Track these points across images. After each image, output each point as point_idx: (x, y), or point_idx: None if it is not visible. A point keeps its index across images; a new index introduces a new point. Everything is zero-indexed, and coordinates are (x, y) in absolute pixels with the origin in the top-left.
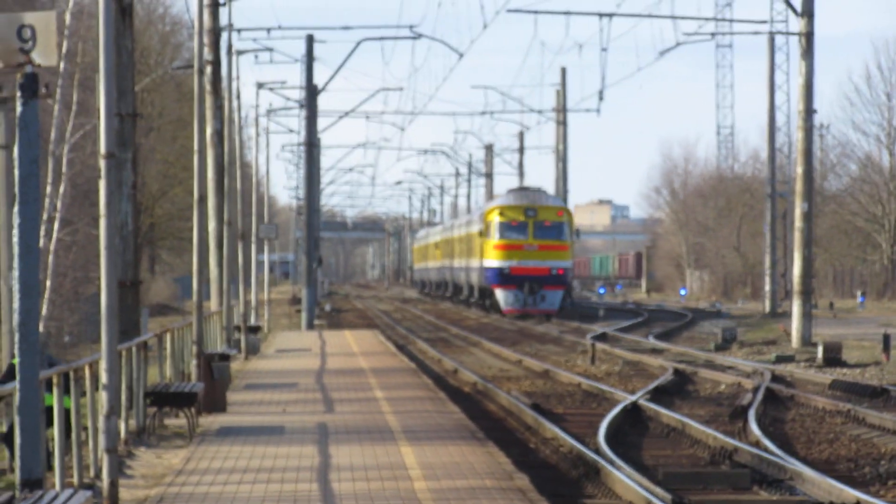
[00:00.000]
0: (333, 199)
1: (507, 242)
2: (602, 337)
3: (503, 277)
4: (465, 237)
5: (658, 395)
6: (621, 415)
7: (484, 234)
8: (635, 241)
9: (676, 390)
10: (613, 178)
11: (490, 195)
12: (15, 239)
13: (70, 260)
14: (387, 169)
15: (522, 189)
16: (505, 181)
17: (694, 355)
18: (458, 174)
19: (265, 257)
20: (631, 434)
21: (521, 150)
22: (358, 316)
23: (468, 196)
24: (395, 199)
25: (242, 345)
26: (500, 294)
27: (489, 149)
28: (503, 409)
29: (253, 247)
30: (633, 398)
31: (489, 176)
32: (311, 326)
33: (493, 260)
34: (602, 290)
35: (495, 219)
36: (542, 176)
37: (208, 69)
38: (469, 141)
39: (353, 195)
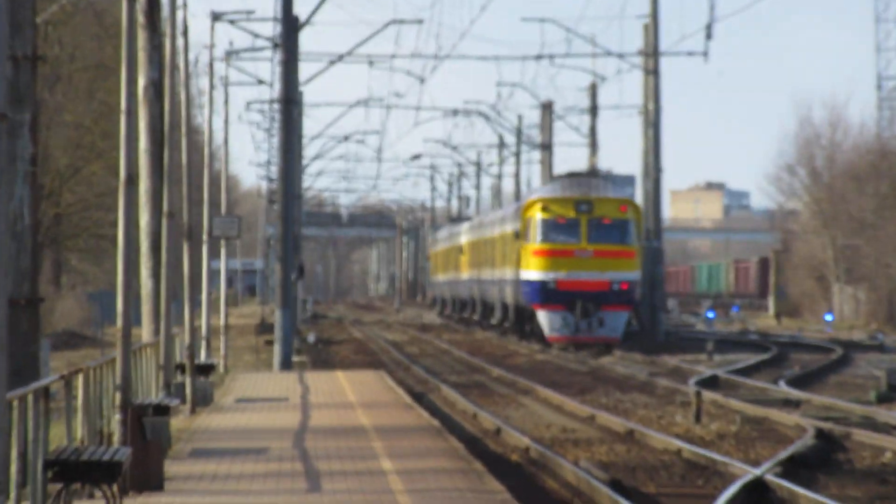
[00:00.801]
0: (321, 180)
1: (553, 247)
2: (711, 382)
3: (547, 294)
4: (497, 240)
5: (793, 467)
6: (740, 497)
7: (521, 235)
8: (758, 242)
9: (820, 461)
10: (727, 153)
11: (548, 174)
12: None
13: None
14: (399, 138)
15: (572, 175)
16: (570, 154)
17: (845, 409)
18: (501, 145)
19: (222, 265)
20: None
21: (594, 110)
22: (356, 350)
23: (516, 176)
24: (412, 181)
25: (188, 392)
26: (542, 317)
27: (547, 108)
28: (568, 487)
29: (204, 250)
30: (756, 472)
31: (547, 147)
32: (287, 365)
33: (533, 271)
34: (711, 314)
35: (536, 216)
36: (623, 147)
37: None
38: (518, 97)
39: (350, 175)
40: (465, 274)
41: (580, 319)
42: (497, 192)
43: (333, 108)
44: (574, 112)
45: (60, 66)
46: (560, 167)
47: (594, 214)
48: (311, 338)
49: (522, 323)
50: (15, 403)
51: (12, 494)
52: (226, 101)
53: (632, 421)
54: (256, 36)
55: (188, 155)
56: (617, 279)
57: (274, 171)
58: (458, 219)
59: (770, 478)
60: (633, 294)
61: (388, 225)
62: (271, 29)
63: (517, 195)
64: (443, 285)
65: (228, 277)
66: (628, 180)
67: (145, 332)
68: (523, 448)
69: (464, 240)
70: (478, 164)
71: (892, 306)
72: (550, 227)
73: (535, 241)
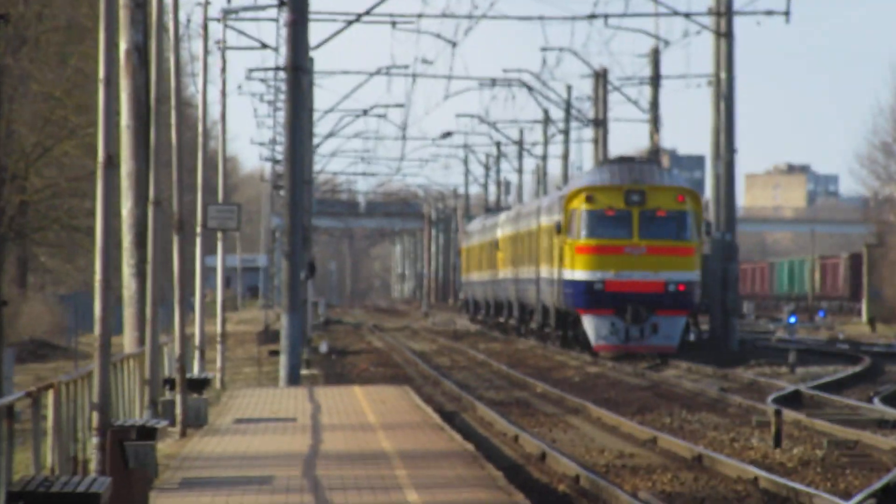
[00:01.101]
0: (335, 163)
1: (600, 243)
2: (793, 399)
3: (593, 297)
4: (537, 233)
5: (889, 499)
6: None
7: (564, 229)
8: (849, 235)
9: None
10: (812, 131)
11: (602, 154)
12: None
13: None
14: (427, 112)
15: (622, 160)
16: (628, 132)
17: None
18: (547, 120)
19: (218, 262)
20: None
21: (656, 80)
22: (376, 362)
23: (564, 157)
24: (442, 163)
25: (178, 411)
26: (588, 322)
27: (601, 78)
28: None
29: (197, 244)
30: None
31: (600, 124)
32: (295, 380)
33: (577, 270)
34: (792, 320)
35: (581, 207)
36: (690, 124)
37: None
38: (567, 64)
39: (369, 157)
40: (502, 273)
41: (631, 326)
42: (542, 177)
43: (350, 77)
44: (633, 82)
45: (27, 27)
46: (616, 147)
47: (647, 206)
48: (323, 347)
49: (565, 329)
50: None
51: None
52: (223, 69)
53: (700, 445)
54: None
55: (178, 132)
56: (673, 280)
57: (279, 151)
58: (494, 209)
59: None
60: (692, 297)
61: (414, 215)
62: None
63: (565, 180)
64: (475, 286)
65: (226, 276)
66: (696, 162)
67: (128, 341)
68: (573, 476)
69: (500, 233)
70: (519, 144)
71: None
72: (597, 221)
73: (580, 236)
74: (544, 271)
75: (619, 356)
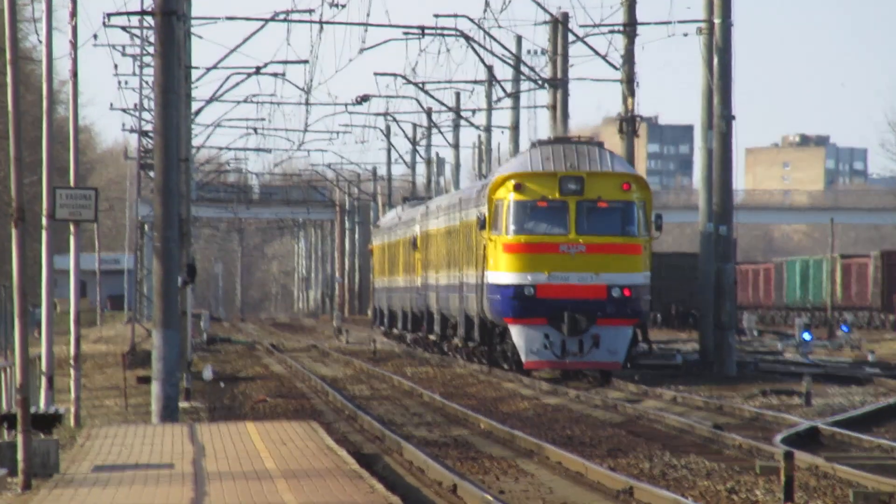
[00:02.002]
0: (221, 135)
1: (530, 241)
2: (809, 439)
3: (523, 304)
4: (456, 231)
5: None
6: None
7: (489, 224)
8: (881, 227)
9: None
10: (831, 95)
11: (562, 122)
12: None
13: None
14: (338, 70)
15: (557, 141)
16: (594, 94)
17: None
18: (491, 81)
19: (71, 263)
20: None
21: (631, 28)
22: (275, 391)
23: (514, 127)
24: (357, 135)
25: (19, 457)
26: (517, 334)
27: (560, 25)
28: None
29: (44, 240)
30: None
31: (559, 84)
32: (171, 415)
33: (503, 272)
34: (807, 336)
35: (508, 198)
36: (675, 84)
37: None
38: (517, 8)
39: (263, 129)
40: (420, 278)
41: (568, 338)
42: (484, 153)
43: (237, 24)
44: (601, 31)
45: None
46: (580, 114)
47: (586, 196)
48: (207, 373)
49: (490, 342)
50: None
51: None
52: (73, 13)
53: (689, 497)
54: None
55: (15, 95)
56: (617, 283)
57: (148, 120)
58: (418, 197)
59: None
60: (640, 303)
61: (322, 203)
62: None
63: (516, 155)
64: (390, 293)
65: (81, 282)
66: (682, 133)
67: None
68: None
69: (418, 230)
70: (456, 111)
71: None
72: (527, 214)
73: (507, 232)
74: (467, 275)
75: (555, 376)
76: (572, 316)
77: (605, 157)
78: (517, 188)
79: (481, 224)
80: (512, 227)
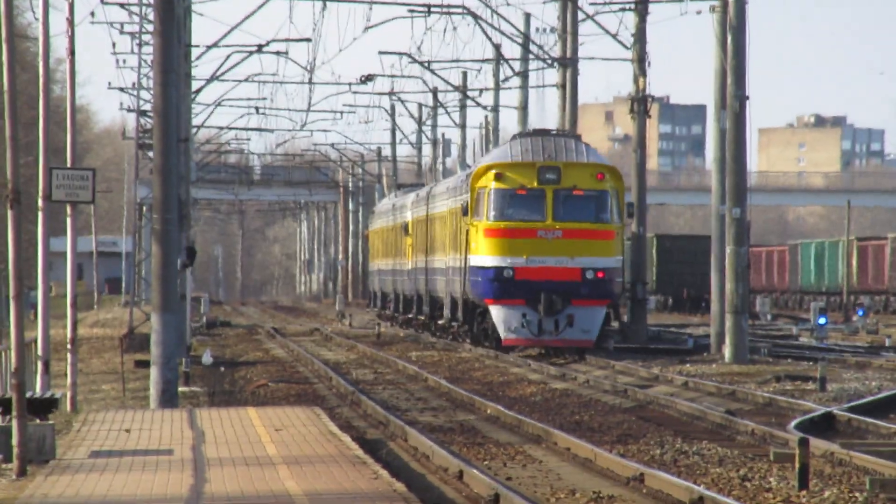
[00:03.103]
0: (221, 115)
1: (509, 226)
2: (824, 425)
3: (502, 285)
4: (444, 217)
5: None
6: None
7: (471, 211)
8: None
9: None
10: (848, 74)
11: (571, 102)
12: None
13: None
14: (342, 49)
15: (536, 133)
16: (606, 73)
17: None
18: (499, 60)
19: (68, 245)
20: None
21: (643, 6)
22: (277, 376)
23: (522, 107)
24: (362, 115)
25: (14, 442)
26: (497, 314)
27: (569, 3)
28: None
29: (40, 222)
30: None
31: (569, 63)
32: (171, 400)
33: (484, 256)
34: (823, 321)
35: (489, 186)
36: (687, 63)
37: None
38: None
39: (265, 108)
40: (411, 261)
41: (544, 317)
42: (491, 133)
43: (239, 1)
44: (612, 9)
45: None
46: (590, 92)
47: (563, 184)
48: (207, 357)
49: (472, 322)
50: None
51: None
52: None
53: (701, 484)
54: None
55: (10, 73)
56: (591, 266)
57: (147, 99)
58: (403, 186)
59: None
60: (612, 286)
61: (326, 184)
62: None
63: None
64: (383, 275)
65: (78, 265)
66: (695, 113)
67: None
68: None
69: (410, 216)
70: (462, 90)
71: None
72: (506, 201)
73: (488, 217)
74: (452, 259)
75: (532, 352)
76: (549, 297)
77: (581, 149)
78: (498, 177)
79: (464, 210)
80: (493, 214)
